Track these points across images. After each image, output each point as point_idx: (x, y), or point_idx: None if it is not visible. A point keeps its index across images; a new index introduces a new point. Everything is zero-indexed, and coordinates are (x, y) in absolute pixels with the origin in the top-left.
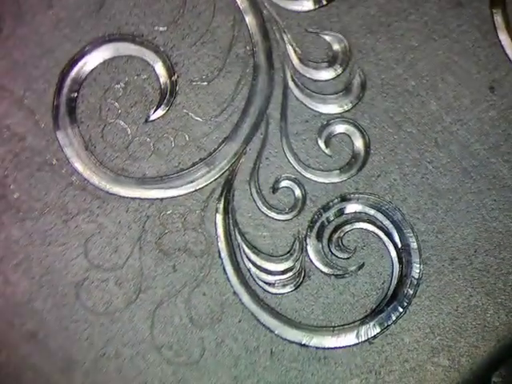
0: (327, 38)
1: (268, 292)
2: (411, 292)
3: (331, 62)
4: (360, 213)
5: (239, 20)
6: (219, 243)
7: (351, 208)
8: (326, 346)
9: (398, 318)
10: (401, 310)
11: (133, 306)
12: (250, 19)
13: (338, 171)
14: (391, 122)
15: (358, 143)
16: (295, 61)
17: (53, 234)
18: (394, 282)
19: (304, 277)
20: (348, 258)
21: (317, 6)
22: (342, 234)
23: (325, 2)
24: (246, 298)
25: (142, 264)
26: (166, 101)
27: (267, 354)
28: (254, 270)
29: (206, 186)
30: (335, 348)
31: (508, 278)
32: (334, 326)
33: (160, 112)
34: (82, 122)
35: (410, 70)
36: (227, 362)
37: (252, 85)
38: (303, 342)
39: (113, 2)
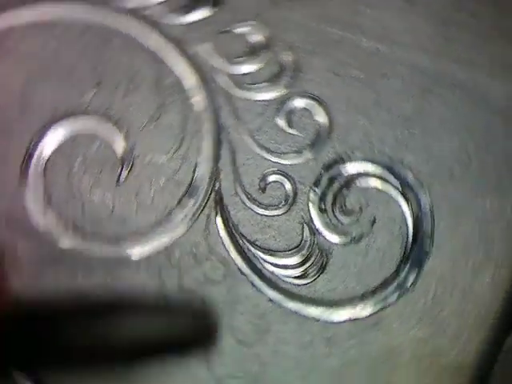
0: (242, 29)
1: (299, 285)
2: (429, 224)
3: (255, 49)
4: (350, 173)
5: (154, 55)
6: (236, 261)
7: (340, 172)
8: (373, 311)
9: (427, 254)
10: (427, 246)
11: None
12: (163, 48)
13: (310, 145)
14: (335, 77)
15: (317, 110)
16: (223, 65)
17: None
18: (410, 222)
19: (325, 256)
20: (358, 220)
21: (217, 6)
22: (343, 199)
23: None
24: (282, 299)
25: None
26: (126, 159)
27: (323, 343)
28: (277, 270)
29: (200, 214)
30: (382, 309)
31: (508, 167)
32: (373, 289)
33: (125, 172)
34: (52, 203)
35: (328, 21)
36: (289, 366)
37: (194, 107)
38: (352, 317)
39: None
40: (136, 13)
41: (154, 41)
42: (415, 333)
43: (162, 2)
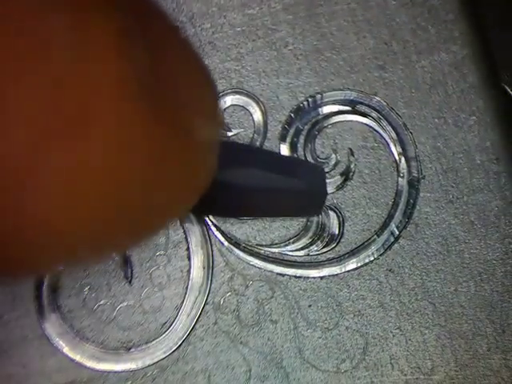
0: None
1: (334, 248)
2: (395, 117)
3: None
4: (303, 129)
5: None
6: (266, 269)
7: (296, 134)
8: (406, 218)
9: (413, 141)
10: (407, 134)
11: (291, 375)
12: None
13: (255, 132)
14: (233, 62)
15: (241, 101)
16: None
17: None
18: (379, 129)
19: (323, 224)
20: (338, 162)
21: None
22: (313, 153)
23: None
24: (330, 270)
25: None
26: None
27: (390, 275)
28: (310, 250)
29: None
30: (412, 211)
31: (422, 27)
32: (393, 202)
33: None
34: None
35: (196, 20)
36: (379, 315)
37: None
38: (394, 238)
39: None
40: None
41: None
42: (453, 208)
43: None
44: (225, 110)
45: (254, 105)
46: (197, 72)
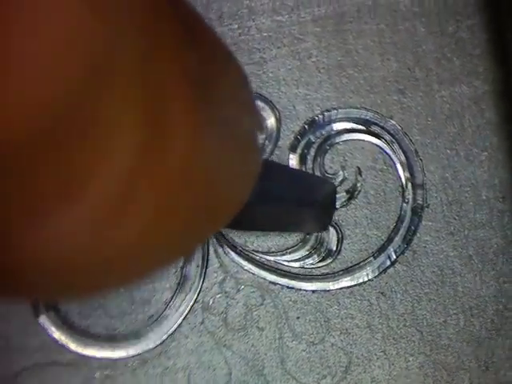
0: None
1: (330, 264)
2: (407, 143)
3: None
4: (314, 142)
5: None
6: (260, 276)
7: (307, 146)
8: (405, 244)
9: (422, 169)
10: (417, 161)
11: None
12: None
13: (267, 139)
14: (255, 65)
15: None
16: None
17: None
18: (390, 152)
19: (322, 238)
20: (345, 179)
21: None
22: (322, 168)
23: None
24: (322, 285)
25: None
26: None
27: (381, 299)
28: (304, 262)
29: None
30: (412, 238)
31: (447, 57)
32: (394, 226)
33: None
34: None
35: (224, 20)
36: (366, 336)
37: None
38: (390, 262)
39: None
40: None
41: None
42: (452, 240)
43: None
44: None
45: (270, 111)
46: (236, 74)
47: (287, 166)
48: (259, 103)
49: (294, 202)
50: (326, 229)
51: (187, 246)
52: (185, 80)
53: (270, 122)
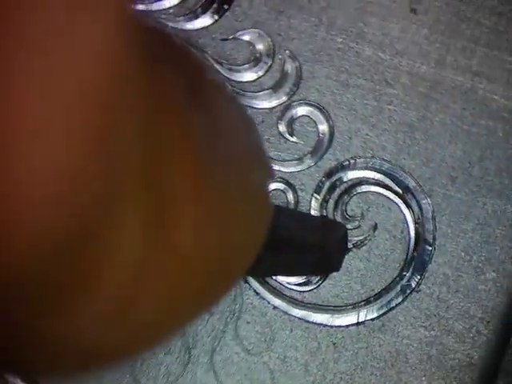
0: (244, 37)
1: (304, 292)
2: (431, 227)
3: (258, 57)
4: (351, 179)
5: None
6: None
7: (341, 179)
8: (379, 313)
9: (430, 256)
10: (430, 248)
11: (190, 366)
12: None
13: (311, 153)
14: (338, 84)
15: (319, 118)
16: (225, 72)
17: None
18: (411, 226)
19: None
20: (359, 226)
21: (221, 14)
22: (344, 206)
23: (226, 7)
24: (286, 307)
25: None
26: None
27: (331, 348)
28: (280, 278)
29: None
30: (388, 311)
31: (509, 172)
32: (378, 293)
33: None
34: None
35: (332, 29)
36: (299, 373)
37: None
38: (357, 321)
39: None
40: (144, 15)
41: None
42: (422, 334)
43: (169, 8)
44: (300, 117)
45: (327, 132)
46: (242, 123)
47: (298, 211)
48: (322, 119)
49: (307, 247)
50: (338, 270)
51: (203, 307)
52: (188, 146)
53: (323, 141)
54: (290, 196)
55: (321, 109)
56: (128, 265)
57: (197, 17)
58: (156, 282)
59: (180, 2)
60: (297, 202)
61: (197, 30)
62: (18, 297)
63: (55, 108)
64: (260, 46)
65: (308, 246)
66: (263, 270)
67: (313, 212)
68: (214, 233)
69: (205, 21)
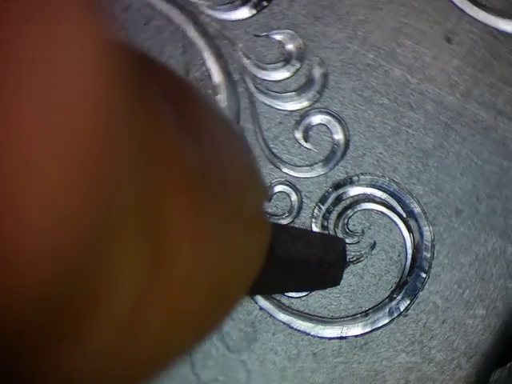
0: (277, 37)
1: (292, 298)
2: (428, 255)
3: (287, 59)
4: (357, 195)
5: (188, 45)
6: None
7: (347, 193)
8: (363, 331)
9: (423, 283)
10: (424, 275)
11: None
12: (198, 41)
13: (323, 162)
14: (361, 99)
15: (336, 129)
16: (252, 68)
17: None
18: (409, 250)
19: None
20: (358, 242)
21: (259, 9)
22: (346, 219)
23: (265, 4)
24: (273, 309)
25: None
26: None
27: (310, 358)
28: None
29: None
30: (372, 331)
31: None
32: (366, 310)
33: None
34: None
35: (366, 44)
36: (274, 377)
37: (217, 103)
38: (341, 335)
39: None
40: (180, 1)
41: (191, 31)
42: (403, 358)
43: None
44: (318, 125)
45: (342, 144)
46: (238, 148)
47: (296, 227)
48: (338, 129)
49: (306, 264)
50: (338, 284)
51: (206, 332)
52: (183, 180)
53: (336, 152)
54: (295, 201)
55: (340, 120)
56: (126, 304)
57: (236, 8)
58: (156, 317)
59: None
60: (300, 208)
61: (232, 21)
62: (12, 344)
63: (43, 158)
64: (291, 48)
65: (307, 262)
66: (263, 288)
67: (314, 221)
68: (212, 261)
69: (242, 13)
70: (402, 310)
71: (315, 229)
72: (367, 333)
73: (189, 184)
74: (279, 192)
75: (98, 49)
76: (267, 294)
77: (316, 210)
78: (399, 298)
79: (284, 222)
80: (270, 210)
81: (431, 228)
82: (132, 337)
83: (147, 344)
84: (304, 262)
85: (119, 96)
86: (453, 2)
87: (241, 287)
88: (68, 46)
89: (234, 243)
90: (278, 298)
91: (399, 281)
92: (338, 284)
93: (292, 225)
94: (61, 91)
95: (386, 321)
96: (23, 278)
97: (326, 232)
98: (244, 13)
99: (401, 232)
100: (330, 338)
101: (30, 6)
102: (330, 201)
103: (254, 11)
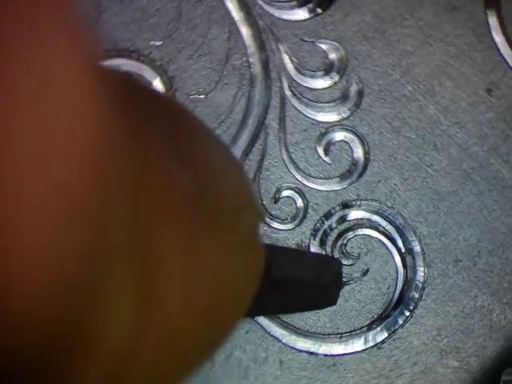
0: (323, 46)
1: None
2: (417, 296)
3: (328, 70)
4: (362, 219)
5: (235, 31)
6: None
7: (353, 215)
8: (335, 352)
9: (404, 321)
10: (407, 313)
11: None
12: (245, 30)
13: (338, 179)
14: (390, 128)
15: (358, 150)
16: (292, 70)
17: None
18: (400, 286)
19: None
20: (352, 265)
21: (312, 15)
22: (345, 240)
23: (320, 11)
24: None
25: None
26: None
27: (276, 364)
28: None
29: None
30: (344, 355)
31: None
32: (342, 333)
33: None
34: None
35: (407, 75)
36: (237, 374)
37: (249, 96)
38: (312, 350)
39: (109, 17)
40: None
41: (241, 19)
42: None
43: None
44: (340, 141)
45: (360, 166)
46: (231, 170)
47: (291, 248)
48: (359, 150)
49: (302, 285)
50: (334, 304)
51: (201, 360)
52: (174, 204)
53: (351, 177)
54: (300, 210)
55: (363, 143)
56: (117, 343)
57: (290, 8)
58: (148, 353)
59: None
60: (303, 218)
61: (284, 20)
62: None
63: (33, 199)
64: (334, 60)
65: (303, 283)
66: (260, 310)
67: (313, 234)
68: (206, 293)
69: (295, 15)
70: (377, 341)
71: (313, 242)
72: (338, 355)
73: (180, 216)
74: (287, 197)
75: (84, 74)
76: (264, 315)
77: (318, 224)
78: (378, 329)
79: (284, 227)
80: (273, 212)
81: (426, 270)
82: (122, 376)
83: (140, 378)
84: (300, 283)
85: (108, 123)
86: (502, 56)
87: (237, 311)
88: (55, 74)
89: (228, 268)
90: None
91: (382, 313)
92: (335, 304)
93: (291, 232)
94: (50, 125)
95: (359, 348)
96: (20, 321)
97: (323, 248)
98: (297, 14)
99: (396, 266)
100: (301, 351)
101: (19, 27)
102: (334, 218)
103: (307, 16)
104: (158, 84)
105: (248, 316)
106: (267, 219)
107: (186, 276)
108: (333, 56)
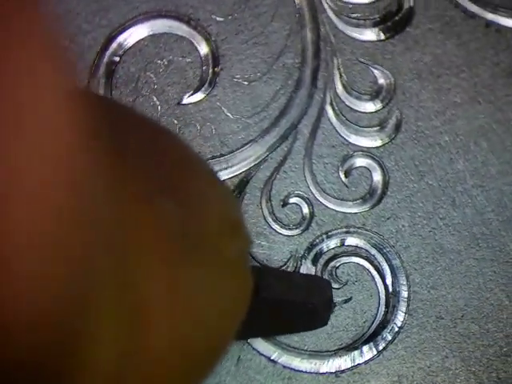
0: (376, 71)
1: None
2: (390, 338)
3: (373, 96)
4: (361, 248)
5: (296, 31)
6: None
7: (353, 241)
8: (294, 367)
9: (370, 359)
10: (375, 352)
11: None
12: (306, 33)
13: (350, 203)
14: (415, 170)
15: (378, 181)
16: (339, 86)
17: None
18: (376, 323)
19: None
20: (337, 289)
21: (375, 39)
22: (338, 264)
23: (383, 37)
24: None
25: None
26: (203, 89)
27: (234, 360)
28: None
29: None
30: (302, 371)
31: (487, 350)
32: (307, 350)
33: (194, 98)
34: (116, 87)
35: (447, 125)
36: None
37: (291, 97)
38: (272, 357)
39: None
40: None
41: (306, 22)
42: None
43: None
44: (363, 167)
45: (376, 197)
46: (219, 197)
47: (282, 270)
48: (378, 176)
49: (292, 306)
50: (326, 324)
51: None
52: (160, 238)
53: (366, 201)
54: (304, 220)
55: (385, 176)
56: (102, 376)
57: (356, 25)
58: (135, 375)
59: (372, 2)
60: (305, 229)
61: (346, 34)
62: None
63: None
64: (382, 88)
65: (292, 303)
66: (251, 332)
67: (309, 248)
68: (191, 322)
69: (360, 33)
70: (338, 369)
71: (306, 255)
72: (296, 370)
73: (165, 251)
74: (295, 204)
75: (62, 101)
76: (255, 338)
77: (318, 240)
78: (342, 358)
79: (284, 232)
80: (278, 215)
81: (407, 316)
82: None
83: None
84: (289, 303)
85: (86, 172)
86: None
87: (225, 336)
88: (33, 101)
89: (215, 296)
90: None
91: (351, 343)
92: (326, 324)
93: (289, 239)
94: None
95: (318, 370)
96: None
97: (315, 265)
98: (361, 34)
99: (378, 303)
100: (261, 354)
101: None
102: (334, 239)
103: (371, 38)
104: (206, 57)
105: (239, 339)
106: (270, 219)
107: (171, 314)
108: (382, 84)
